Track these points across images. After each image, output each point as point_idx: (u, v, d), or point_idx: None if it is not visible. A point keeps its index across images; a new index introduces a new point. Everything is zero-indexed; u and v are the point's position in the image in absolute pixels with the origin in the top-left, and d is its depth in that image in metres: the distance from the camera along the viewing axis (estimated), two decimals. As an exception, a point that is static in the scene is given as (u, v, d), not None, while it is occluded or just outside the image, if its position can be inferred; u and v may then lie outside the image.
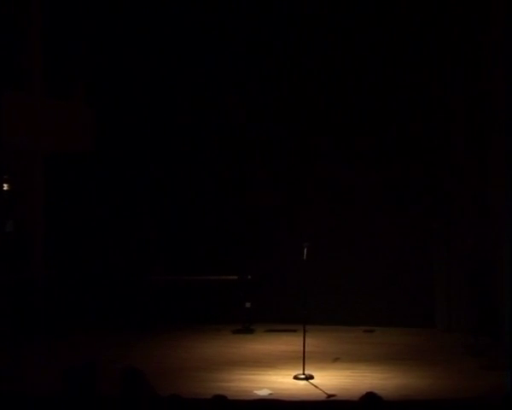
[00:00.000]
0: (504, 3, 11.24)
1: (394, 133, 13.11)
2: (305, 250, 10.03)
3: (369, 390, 5.98)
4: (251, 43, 13.61)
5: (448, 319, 12.60)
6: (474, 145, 12.46)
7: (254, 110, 13.64)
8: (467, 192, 12.53)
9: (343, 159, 13.34)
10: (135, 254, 13.65)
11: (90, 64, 14.04)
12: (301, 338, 9.91)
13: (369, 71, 13.17)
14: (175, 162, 13.90)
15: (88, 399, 5.67)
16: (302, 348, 9.83)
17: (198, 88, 13.81)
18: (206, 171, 13.81)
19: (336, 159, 13.35)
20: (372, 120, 13.20)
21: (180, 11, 13.78)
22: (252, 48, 13.61)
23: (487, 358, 10.54)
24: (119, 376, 5.81)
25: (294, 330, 11.75)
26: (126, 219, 13.82)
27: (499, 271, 11.46)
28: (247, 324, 12.98)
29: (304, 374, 9.77)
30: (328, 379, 9.72)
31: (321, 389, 9.22)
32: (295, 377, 9.78)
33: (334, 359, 10.90)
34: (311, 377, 9.72)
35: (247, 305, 12.95)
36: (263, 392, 9.07)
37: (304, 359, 9.78)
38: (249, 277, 13.02)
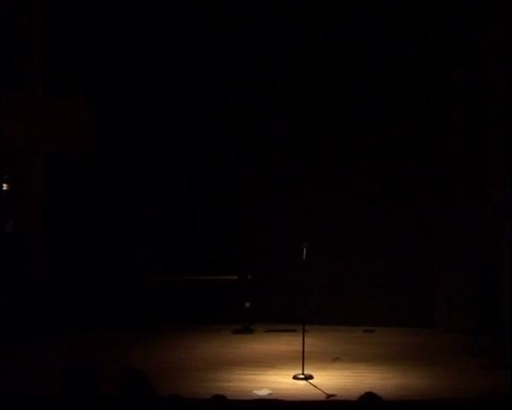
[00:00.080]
0: (504, 3, 11.24)
1: (394, 133, 13.10)
2: (305, 250, 10.03)
3: (368, 390, 5.97)
4: (251, 43, 13.60)
5: (448, 319, 12.59)
6: (474, 145, 12.47)
7: (254, 110, 13.64)
8: (467, 192, 12.53)
9: (343, 159, 13.34)
10: (135, 254, 13.66)
11: (89, 64, 14.04)
12: (301, 338, 9.90)
13: (369, 71, 13.17)
14: (175, 162, 13.90)
15: (88, 399, 5.67)
16: (302, 348, 9.83)
17: (198, 88, 13.81)
18: (206, 171, 13.80)
19: (336, 159, 13.35)
20: (372, 120, 13.20)
21: (180, 11, 13.78)
22: (252, 48, 13.61)
23: (487, 358, 10.54)
24: (118, 376, 5.81)
25: (294, 331, 11.75)
26: (126, 218, 13.82)
27: (499, 271, 11.46)
28: (246, 324, 12.98)
29: (303, 374, 9.76)
30: (328, 379, 9.72)
31: (320, 389, 9.22)
32: (295, 377, 9.78)
33: (333, 359, 10.90)
34: (311, 377, 9.72)
35: (247, 305, 12.95)
36: (262, 392, 9.07)
37: (303, 359, 9.77)
38: (249, 277, 13.02)
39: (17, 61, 13.04)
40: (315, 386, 9.42)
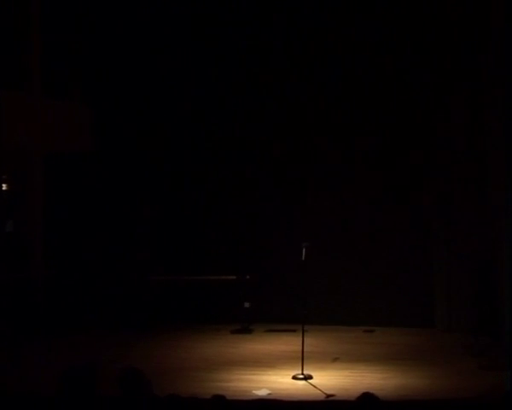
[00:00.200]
0: (504, 3, 11.23)
1: (394, 133, 13.10)
2: (304, 250, 10.03)
3: (367, 390, 5.96)
4: (251, 43, 13.60)
5: (448, 319, 12.59)
6: (474, 145, 12.47)
7: (254, 110, 13.64)
8: (467, 192, 12.53)
9: (343, 159, 13.34)
10: (135, 254, 13.66)
11: (89, 64, 14.04)
12: (301, 338, 9.90)
13: (369, 71, 13.16)
14: (175, 162, 13.90)
15: (88, 399, 5.67)
16: (301, 348, 9.83)
17: (197, 87, 13.80)
18: (205, 170, 13.80)
19: (336, 159, 13.35)
20: (372, 120, 13.20)
21: (179, 11, 13.78)
22: (252, 48, 13.60)
23: (487, 358, 10.53)
24: (118, 376, 5.81)
25: (294, 331, 11.75)
26: (126, 218, 13.82)
27: (499, 271, 11.45)
28: (246, 324, 12.98)
29: (303, 374, 9.77)
30: (328, 379, 9.72)
31: (320, 390, 9.22)
32: (294, 377, 9.78)
33: (333, 359, 10.90)
34: (310, 378, 9.72)
35: (247, 305, 12.95)
36: (262, 392, 9.08)
37: (303, 359, 9.77)
38: (248, 277, 13.02)
39: (17, 61, 13.04)
40: (314, 386, 9.43)
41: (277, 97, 13.55)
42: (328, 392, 9.06)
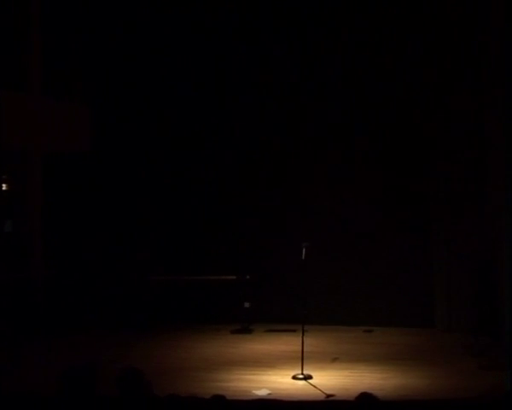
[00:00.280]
0: (504, 3, 11.22)
1: (394, 133, 13.10)
2: (304, 250, 10.02)
3: (367, 390, 5.96)
4: (251, 44, 13.60)
5: (448, 319, 12.59)
6: (474, 145, 12.46)
7: (254, 110, 13.63)
8: (467, 192, 12.52)
9: (343, 159, 13.34)
10: (135, 254, 13.65)
11: (88, 64, 14.04)
12: (300, 338, 9.90)
13: (369, 71, 13.16)
14: (174, 162, 13.90)
15: (87, 399, 5.67)
16: (301, 348, 9.83)
17: (197, 87, 13.81)
18: (205, 171, 13.80)
19: (336, 159, 13.35)
20: (372, 120, 13.20)
21: (179, 11, 13.78)
22: (252, 48, 13.60)
23: (487, 358, 10.53)
24: (118, 376, 5.81)
25: (294, 331, 11.75)
26: (126, 218, 13.82)
27: (499, 271, 11.45)
28: (246, 324, 12.99)
29: (302, 374, 9.76)
30: (327, 379, 9.72)
31: (319, 389, 9.22)
32: (294, 377, 9.78)
33: (333, 359, 10.90)
34: (310, 377, 9.72)
35: (247, 305, 12.95)
36: (262, 392, 9.08)
37: (302, 359, 9.77)
38: (248, 277, 13.02)
39: (17, 61, 13.04)
40: (314, 386, 9.42)
41: (277, 97, 13.55)
42: (328, 392, 9.06)
